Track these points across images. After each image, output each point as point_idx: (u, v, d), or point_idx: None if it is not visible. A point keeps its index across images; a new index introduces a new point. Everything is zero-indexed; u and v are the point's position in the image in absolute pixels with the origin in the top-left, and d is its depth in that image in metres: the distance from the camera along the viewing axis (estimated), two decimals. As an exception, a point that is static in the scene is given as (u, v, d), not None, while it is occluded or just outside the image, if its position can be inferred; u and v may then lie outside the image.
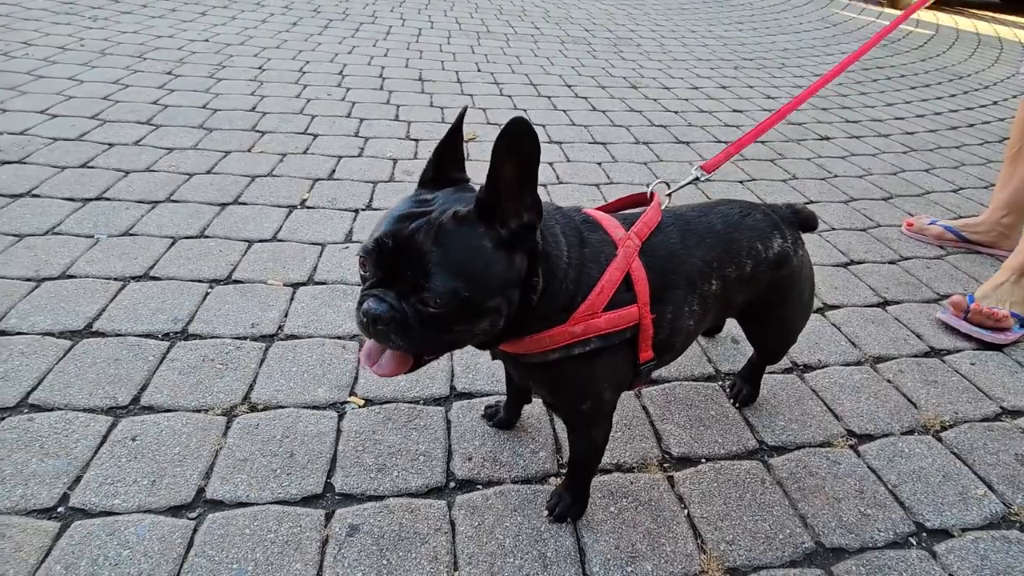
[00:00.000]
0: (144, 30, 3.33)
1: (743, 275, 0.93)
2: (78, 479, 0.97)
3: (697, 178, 1.01)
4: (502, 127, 0.63)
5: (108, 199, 1.76)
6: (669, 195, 0.95)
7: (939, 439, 1.21)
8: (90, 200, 1.74)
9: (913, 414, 1.27)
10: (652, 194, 0.93)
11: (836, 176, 2.43)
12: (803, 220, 1.05)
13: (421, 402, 1.19)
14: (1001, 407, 1.31)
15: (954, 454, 1.18)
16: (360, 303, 0.69)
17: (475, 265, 0.67)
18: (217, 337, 1.29)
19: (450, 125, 0.74)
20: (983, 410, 1.30)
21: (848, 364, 1.40)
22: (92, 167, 1.91)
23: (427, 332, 0.68)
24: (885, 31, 1.25)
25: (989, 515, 1.05)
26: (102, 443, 1.04)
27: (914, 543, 1.00)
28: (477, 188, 0.72)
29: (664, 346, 0.87)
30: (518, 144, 0.64)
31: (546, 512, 0.99)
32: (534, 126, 0.69)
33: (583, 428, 0.90)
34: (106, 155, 2.00)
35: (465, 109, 0.76)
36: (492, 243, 0.68)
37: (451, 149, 0.75)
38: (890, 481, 1.11)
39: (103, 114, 2.28)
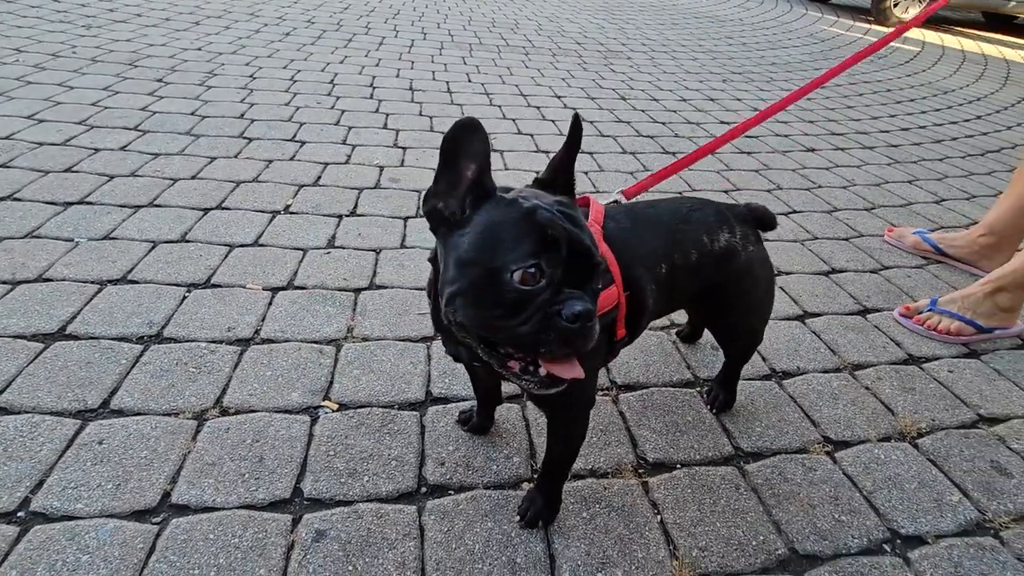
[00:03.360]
0: (137, 38, 3.34)
1: (689, 264, 0.97)
2: (41, 483, 0.96)
3: (616, 201, 0.97)
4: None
5: (90, 203, 1.75)
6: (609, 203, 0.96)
7: (915, 446, 1.21)
8: (72, 204, 1.73)
9: (890, 421, 1.27)
10: (587, 198, 0.91)
11: (820, 187, 2.45)
12: (758, 218, 1.07)
13: (396, 407, 1.18)
14: (978, 414, 1.31)
15: (930, 461, 1.17)
16: (557, 311, 0.64)
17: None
18: (192, 341, 1.28)
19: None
20: (960, 417, 1.30)
21: (827, 371, 1.40)
22: (76, 171, 1.91)
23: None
24: (866, 51, 1.24)
25: (964, 522, 1.05)
26: (68, 446, 1.02)
27: (888, 550, 0.99)
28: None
29: (632, 325, 0.91)
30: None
31: (517, 517, 0.98)
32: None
33: (566, 419, 0.91)
34: (91, 160, 1.99)
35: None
36: None
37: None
38: (865, 488, 1.10)
39: (90, 120, 2.28)
